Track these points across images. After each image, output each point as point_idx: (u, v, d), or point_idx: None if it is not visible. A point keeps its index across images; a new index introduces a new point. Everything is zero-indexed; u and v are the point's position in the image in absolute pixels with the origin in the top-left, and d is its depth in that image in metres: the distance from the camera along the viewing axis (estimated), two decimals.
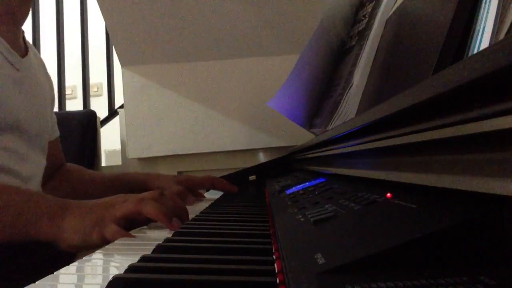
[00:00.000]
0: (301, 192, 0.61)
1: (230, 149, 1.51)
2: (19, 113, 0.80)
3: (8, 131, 0.78)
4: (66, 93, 1.96)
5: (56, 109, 1.83)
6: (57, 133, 1.03)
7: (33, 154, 0.85)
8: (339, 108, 0.76)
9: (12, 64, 0.81)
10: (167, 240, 0.46)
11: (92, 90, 2.27)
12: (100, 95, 2.60)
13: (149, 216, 0.56)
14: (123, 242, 0.50)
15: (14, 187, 0.67)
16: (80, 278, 0.36)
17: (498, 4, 0.35)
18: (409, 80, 0.49)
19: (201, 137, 1.51)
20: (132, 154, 1.52)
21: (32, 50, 0.93)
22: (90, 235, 0.55)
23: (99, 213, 0.56)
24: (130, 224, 0.58)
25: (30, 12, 1.98)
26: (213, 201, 0.88)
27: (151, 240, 0.49)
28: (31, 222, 0.58)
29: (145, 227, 0.60)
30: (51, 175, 1.01)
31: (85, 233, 0.55)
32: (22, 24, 0.88)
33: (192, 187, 0.97)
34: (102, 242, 0.54)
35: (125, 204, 0.57)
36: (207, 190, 1.14)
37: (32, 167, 0.84)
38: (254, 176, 1.18)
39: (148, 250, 0.40)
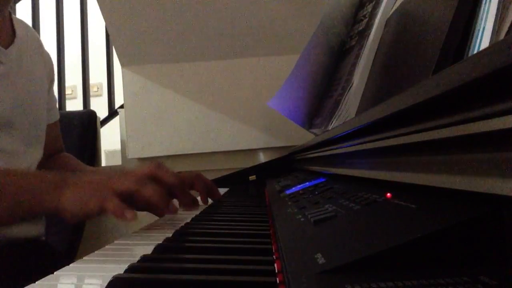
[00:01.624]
0: (301, 192, 0.61)
1: (230, 149, 1.51)
2: (6, 111, 0.77)
3: None
4: (66, 93, 1.96)
5: None
6: (55, 116, 0.99)
7: (26, 149, 0.82)
8: (339, 108, 0.76)
9: None
10: (167, 240, 0.46)
11: (92, 90, 2.27)
12: (100, 95, 2.60)
13: (147, 198, 0.56)
14: (123, 242, 0.50)
15: (7, 169, 0.67)
16: (80, 278, 0.35)
17: (498, 4, 0.35)
18: (409, 80, 0.49)
19: (201, 137, 1.51)
20: (132, 154, 1.52)
21: (21, 30, 0.85)
22: (87, 204, 0.56)
23: (98, 185, 0.57)
24: (129, 203, 0.57)
25: (30, 12, 1.98)
26: (212, 202, 0.88)
27: (151, 240, 0.49)
28: (29, 200, 0.60)
29: (146, 226, 0.60)
30: (45, 161, 0.96)
31: (82, 202, 0.56)
32: (3, 11, 0.81)
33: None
34: (100, 211, 0.55)
35: (125, 179, 0.56)
36: None
37: (25, 162, 0.81)
38: (254, 176, 1.18)
39: (148, 250, 0.40)
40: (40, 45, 0.93)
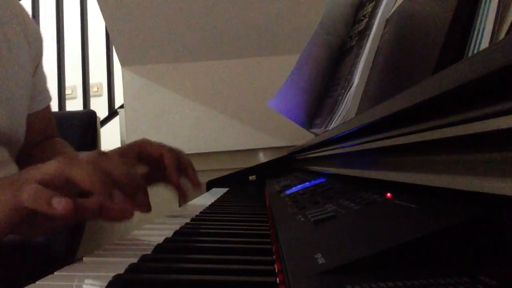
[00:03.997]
0: (301, 192, 0.61)
1: (230, 149, 1.51)
2: None
3: None
4: (66, 93, 1.96)
5: (56, 109, 1.83)
6: (46, 101, 0.83)
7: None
8: (339, 108, 0.76)
9: None
10: (167, 240, 0.46)
11: (92, 90, 2.27)
12: (100, 95, 2.60)
13: (79, 183, 0.39)
14: (123, 242, 0.50)
15: None
16: (80, 278, 0.35)
17: (498, 4, 0.35)
18: (409, 80, 0.49)
19: (201, 137, 1.51)
20: None
21: None
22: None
23: (13, 179, 0.40)
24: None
25: (30, 12, 1.98)
26: (212, 202, 0.88)
27: (151, 240, 0.49)
28: None
29: (146, 226, 0.60)
30: (31, 149, 0.82)
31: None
32: None
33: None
34: (16, 211, 0.38)
35: (47, 166, 0.40)
36: (207, 190, 1.14)
37: None
38: (254, 176, 1.18)
39: (148, 250, 0.40)
40: (24, 21, 0.75)
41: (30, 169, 0.41)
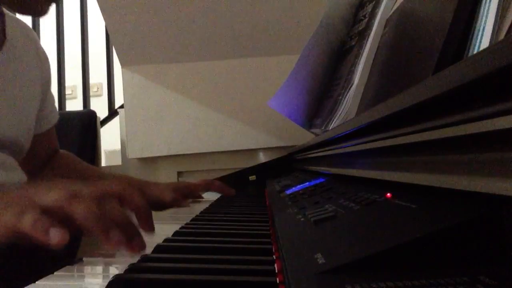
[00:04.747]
0: (301, 192, 0.61)
1: (230, 149, 1.51)
2: None
3: None
4: (66, 93, 1.96)
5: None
6: (50, 124, 0.91)
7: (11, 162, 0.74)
8: (339, 108, 0.76)
9: None
10: (167, 240, 0.46)
11: (92, 90, 2.27)
12: (100, 95, 2.60)
13: (78, 222, 0.39)
14: None
15: None
16: (80, 278, 0.35)
17: (498, 4, 0.35)
18: (409, 80, 0.49)
19: (201, 137, 1.51)
20: (132, 154, 1.52)
21: (15, 31, 0.76)
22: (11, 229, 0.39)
23: (15, 198, 0.40)
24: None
25: None
26: (212, 202, 0.88)
27: (151, 240, 0.49)
28: None
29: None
30: (42, 166, 0.92)
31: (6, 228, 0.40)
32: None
33: (189, 193, 0.90)
34: (14, 232, 0.39)
35: (52, 194, 0.40)
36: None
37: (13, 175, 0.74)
38: (254, 176, 1.18)
39: (148, 250, 0.40)
40: (37, 47, 0.84)
41: (33, 187, 0.42)
